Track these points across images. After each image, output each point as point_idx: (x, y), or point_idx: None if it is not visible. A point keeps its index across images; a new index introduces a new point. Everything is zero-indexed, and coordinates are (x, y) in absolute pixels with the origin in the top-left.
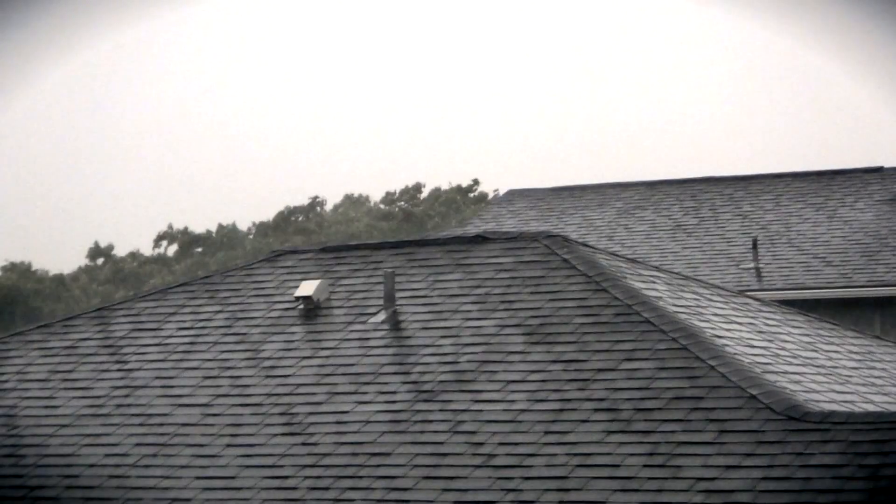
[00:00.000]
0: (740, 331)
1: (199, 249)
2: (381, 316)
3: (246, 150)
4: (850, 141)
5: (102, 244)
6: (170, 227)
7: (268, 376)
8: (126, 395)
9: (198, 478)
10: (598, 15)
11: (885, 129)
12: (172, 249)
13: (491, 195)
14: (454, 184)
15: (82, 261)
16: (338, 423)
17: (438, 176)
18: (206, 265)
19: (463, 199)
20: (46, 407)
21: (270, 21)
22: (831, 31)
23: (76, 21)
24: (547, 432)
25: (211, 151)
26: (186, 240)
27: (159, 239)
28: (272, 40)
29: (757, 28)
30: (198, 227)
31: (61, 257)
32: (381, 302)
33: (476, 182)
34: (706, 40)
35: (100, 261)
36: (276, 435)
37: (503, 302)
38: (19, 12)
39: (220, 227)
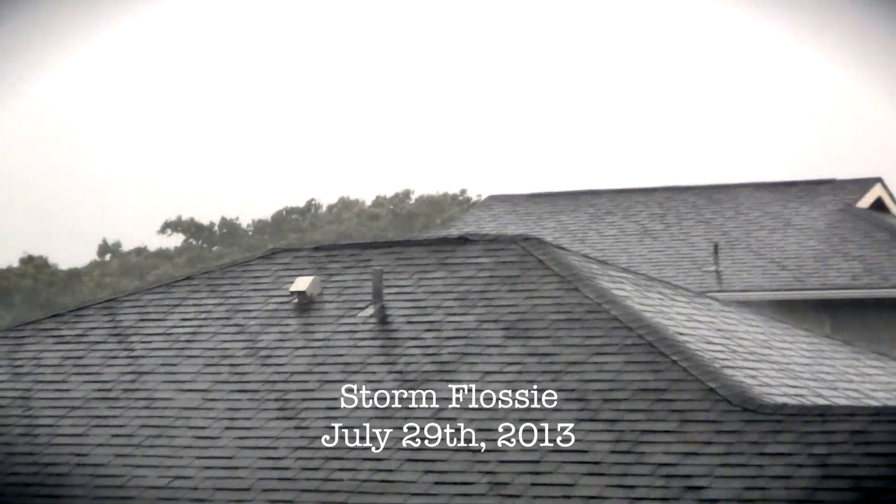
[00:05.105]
0: (701, 329)
1: (201, 241)
2: (370, 310)
3: (251, 154)
4: (806, 153)
5: (111, 240)
6: (178, 217)
7: (264, 364)
8: (132, 381)
9: (198, 458)
10: (568, 29)
11: (840, 141)
12: (178, 239)
13: (474, 199)
14: (441, 191)
15: (94, 255)
16: (328, 408)
17: (427, 182)
18: (205, 259)
19: (451, 203)
20: (58, 391)
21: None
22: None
23: (80, 15)
24: (522, 420)
25: (220, 153)
26: (191, 228)
27: (165, 227)
28: (281, 47)
29: (725, 36)
30: (203, 220)
31: (75, 252)
32: (369, 297)
33: (463, 191)
34: (687, 49)
35: (108, 256)
36: (271, 419)
37: (483, 299)
38: (23, 8)
39: (224, 220)
